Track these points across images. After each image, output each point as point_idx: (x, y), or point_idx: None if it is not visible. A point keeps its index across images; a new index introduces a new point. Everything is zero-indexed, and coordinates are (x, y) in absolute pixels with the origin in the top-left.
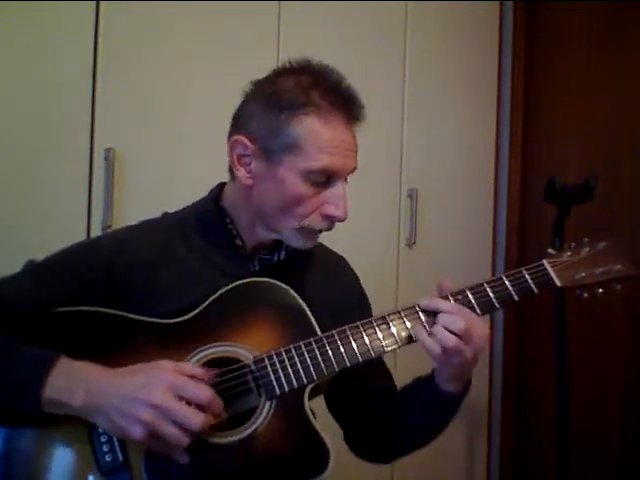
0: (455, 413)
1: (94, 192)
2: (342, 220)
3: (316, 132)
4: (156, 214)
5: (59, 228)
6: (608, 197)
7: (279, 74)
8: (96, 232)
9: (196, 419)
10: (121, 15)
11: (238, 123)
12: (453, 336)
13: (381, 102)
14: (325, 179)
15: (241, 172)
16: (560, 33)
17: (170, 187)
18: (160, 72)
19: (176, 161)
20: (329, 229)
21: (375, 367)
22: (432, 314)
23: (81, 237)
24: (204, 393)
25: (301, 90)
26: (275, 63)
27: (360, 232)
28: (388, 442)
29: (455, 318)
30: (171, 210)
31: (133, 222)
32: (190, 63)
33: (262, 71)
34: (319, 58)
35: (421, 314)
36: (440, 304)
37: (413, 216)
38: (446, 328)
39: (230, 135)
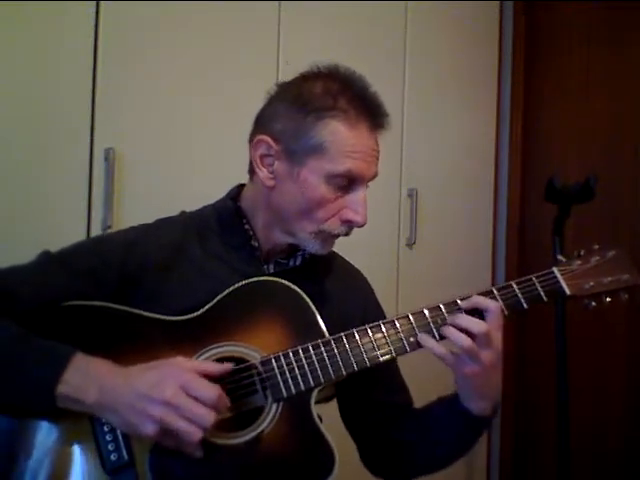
0: (480, 435)
1: (94, 192)
2: (361, 226)
3: (341, 136)
4: (156, 214)
5: (59, 228)
6: (608, 197)
7: (306, 78)
8: (96, 232)
9: (207, 415)
10: (121, 15)
11: (262, 123)
12: (465, 337)
13: None
14: (347, 183)
15: (263, 172)
16: (560, 33)
17: (170, 187)
18: (160, 72)
19: (176, 161)
20: (347, 234)
21: (391, 380)
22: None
23: (81, 237)
24: (213, 392)
25: (329, 95)
26: (275, 63)
27: (360, 232)
28: (404, 460)
29: (476, 320)
30: (171, 210)
31: (133, 222)
32: (190, 63)
33: (262, 70)
34: (319, 58)
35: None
36: (481, 300)
37: (413, 216)
38: (463, 329)
39: (253, 135)
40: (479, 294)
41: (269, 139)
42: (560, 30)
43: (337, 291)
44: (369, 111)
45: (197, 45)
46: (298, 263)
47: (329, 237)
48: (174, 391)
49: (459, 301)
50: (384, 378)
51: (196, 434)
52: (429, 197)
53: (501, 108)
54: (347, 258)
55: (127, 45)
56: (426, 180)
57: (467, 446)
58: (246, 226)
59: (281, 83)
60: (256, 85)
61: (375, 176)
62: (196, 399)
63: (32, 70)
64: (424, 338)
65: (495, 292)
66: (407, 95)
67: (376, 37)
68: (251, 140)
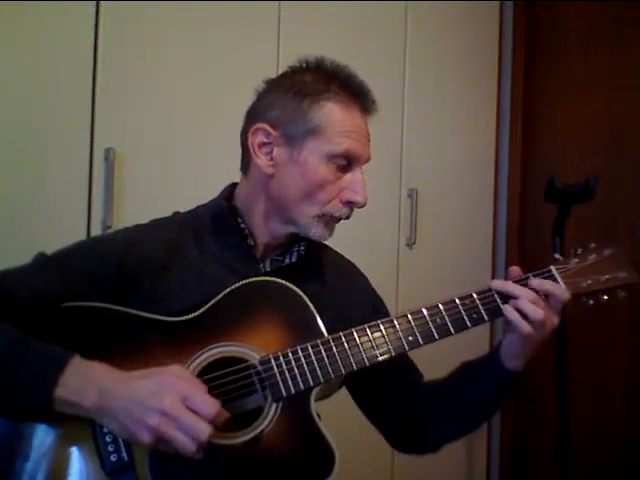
0: (511, 390)
1: (94, 192)
2: (362, 206)
3: (337, 117)
4: (156, 214)
5: (59, 228)
6: (608, 197)
7: (295, 71)
8: (96, 232)
9: (203, 429)
10: (121, 15)
11: (256, 113)
12: (541, 310)
13: (381, 102)
14: (346, 163)
15: (262, 160)
16: (560, 33)
17: (170, 187)
18: (160, 72)
19: (176, 161)
20: (347, 217)
21: (401, 360)
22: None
23: (81, 237)
24: (212, 407)
25: (320, 82)
26: (275, 63)
27: (360, 232)
28: (431, 431)
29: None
30: (172, 210)
31: (133, 222)
32: (190, 63)
33: (262, 70)
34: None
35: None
36: (512, 287)
37: (413, 216)
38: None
39: (247, 127)
40: (478, 292)
41: (267, 126)
42: (560, 30)
43: (335, 284)
44: (359, 95)
45: (197, 45)
46: (294, 260)
47: (331, 220)
48: (172, 401)
49: (474, 294)
50: (393, 360)
51: (190, 447)
52: (429, 197)
53: (501, 108)
54: (348, 258)
55: (127, 45)
56: (426, 180)
57: (502, 402)
58: (242, 225)
59: (269, 79)
60: (256, 85)
61: (369, 159)
62: (194, 412)
63: (32, 70)
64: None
65: (493, 291)
66: (407, 95)
67: (376, 37)
68: (245, 132)
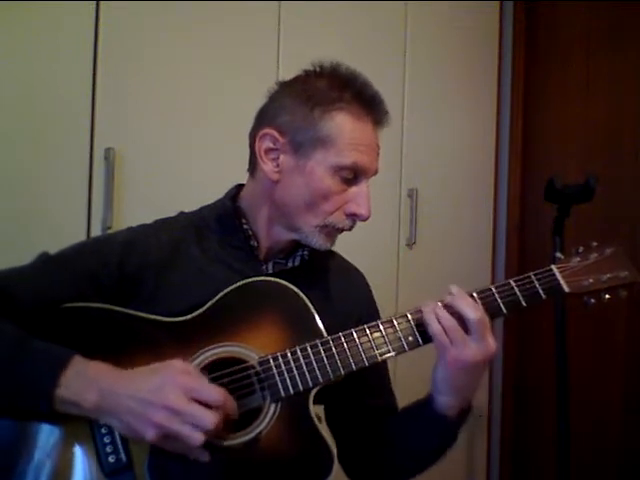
0: (452, 440)
1: (94, 192)
2: (365, 219)
3: (348, 129)
4: (156, 214)
5: (59, 228)
6: (608, 197)
7: (309, 75)
8: (96, 232)
9: (210, 419)
10: (121, 15)
11: (266, 117)
12: (454, 320)
13: None
14: (352, 176)
15: (268, 166)
16: (560, 33)
17: (170, 187)
18: (160, 72)
19: (176, 161)
20: (350, 229)
21: (378, 383)
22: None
23: (81, 237)
24: (217, 394)
25: (334, 90)
26: (275, 63)
27: (360, 232)
28: (379, 466)
29: (470, 307)
30: (171, 210)
31: (133, 222)
32: (190, 63)
33: (262, 70)
34: (319, 58)
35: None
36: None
37: (413, 216)
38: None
39: (256, 130)
40: (478, 292)
41: (275, 132)
42: (560, 30)
43: (336, 290)
44: (372, 107)
45: (197, 45)
46: (297, 263)
47: (333, 231)
48: (176, 396)
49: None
50: (371, 381)
51: (197, 438)
52: (429, 197)
53: (501, 108)
54: (347, 258)
55: (127, 45)
56: (426, 180)
57: (435, 451)
58: (245, 226)
59: (283, 81)
60: (256, 85)
61: (376, 172)
62: (200, 402)
63: (32, 70)
64: (428, 311)
65: (493, 290)
66: (407, 95)
67: (376, 37)
68: (254, 135)
